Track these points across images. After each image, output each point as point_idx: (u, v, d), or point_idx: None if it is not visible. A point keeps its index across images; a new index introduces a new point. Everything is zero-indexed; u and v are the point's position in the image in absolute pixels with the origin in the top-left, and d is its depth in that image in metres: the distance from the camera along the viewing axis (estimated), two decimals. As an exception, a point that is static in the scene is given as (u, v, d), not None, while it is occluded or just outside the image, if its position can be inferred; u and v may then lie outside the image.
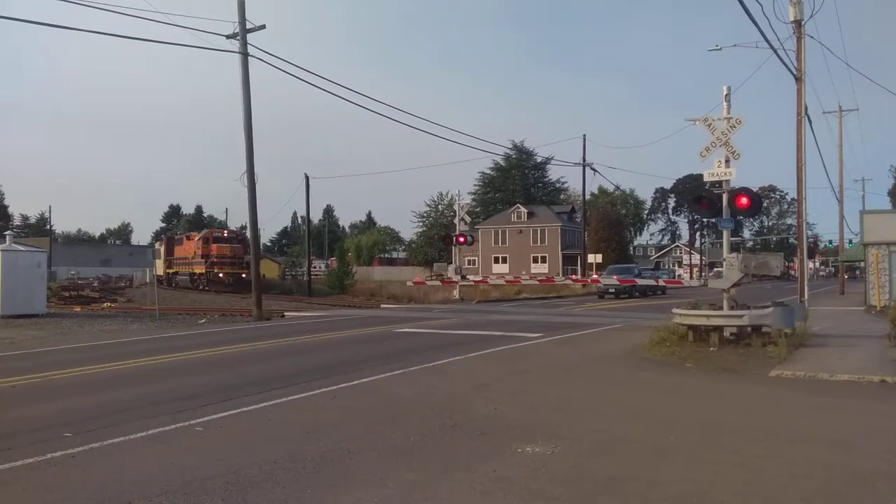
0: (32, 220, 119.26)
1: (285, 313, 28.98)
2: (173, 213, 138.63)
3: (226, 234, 52.41)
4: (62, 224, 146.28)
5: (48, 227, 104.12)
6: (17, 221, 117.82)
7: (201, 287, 48.42)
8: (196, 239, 51.25)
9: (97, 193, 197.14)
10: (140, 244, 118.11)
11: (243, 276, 47.17)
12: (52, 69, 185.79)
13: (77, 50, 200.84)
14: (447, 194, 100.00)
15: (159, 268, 55.52)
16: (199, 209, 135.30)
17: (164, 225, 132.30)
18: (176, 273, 54.82)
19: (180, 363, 14.07)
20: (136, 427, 8.07)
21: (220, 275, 46.88)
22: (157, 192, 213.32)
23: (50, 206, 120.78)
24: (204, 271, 48.04)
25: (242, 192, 27.75)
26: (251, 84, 26.94)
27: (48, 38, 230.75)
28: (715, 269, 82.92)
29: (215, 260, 47.62)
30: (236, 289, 45.27)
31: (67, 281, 59.50)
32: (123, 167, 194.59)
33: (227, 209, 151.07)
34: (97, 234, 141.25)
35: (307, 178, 55.58)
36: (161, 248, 58.90)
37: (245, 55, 26.48)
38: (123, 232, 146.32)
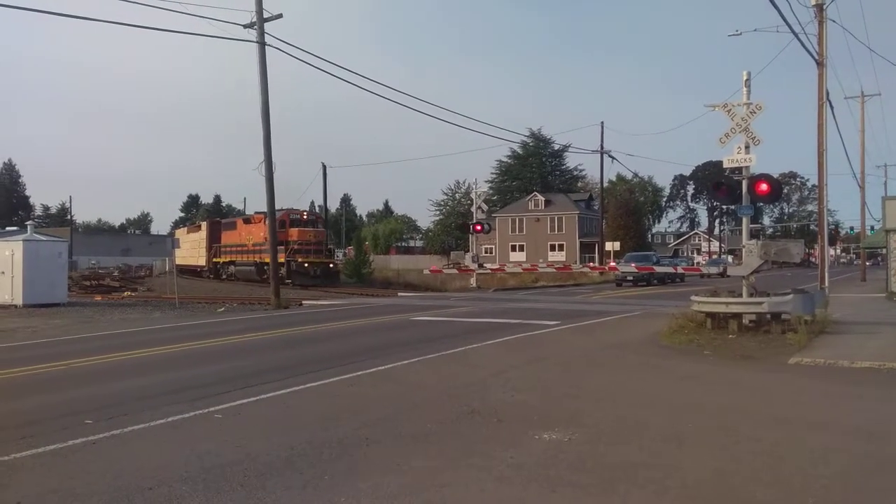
0: (53, 211, 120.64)
1: (303, 302, 29.12)
2: (192, 202, 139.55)
3: (306, 216, 44.19)
4: (82, 214, 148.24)
5: (69, 217, 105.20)
6: (38, 212, 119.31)
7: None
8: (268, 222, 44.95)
9: (117, 184, 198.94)
10: (160, 233, 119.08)
11: (331, 265, 42.07)
12: (71, 61, 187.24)
13: (96, 42, 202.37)
14: (464, 182, 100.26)
15: (200, 257, 50.84)
16: (217, 199, 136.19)
17: (182, 214, 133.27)
18: (231, 262, 46.96)
19: (200, 351, 14.18)
20: (155, 414, 8.14)
21: (306, 264, 39.81)
22: (176, 182, 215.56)
23: (70, 197, 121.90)
24: (284, 260, 39.27)
25: (260, 181, 27.89)
26: (268, 73, 27.01)
27: (68, 30, 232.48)
28: (710, 259, 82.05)
29: (296, 247, 40.22)
30: (323, 281, 39.77)
31: (88, 270, 60.06)
32: (143, 158, 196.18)
33: (245, 198, 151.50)
34: (117, 224, 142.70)
35: (324, 167, 55.89)
36: (196, 234, 53.30)
37: (262, 44, 26.50)
38: (143, 221, 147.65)
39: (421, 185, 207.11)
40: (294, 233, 40.71)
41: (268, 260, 38.92)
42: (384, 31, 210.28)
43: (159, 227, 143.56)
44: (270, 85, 27.11)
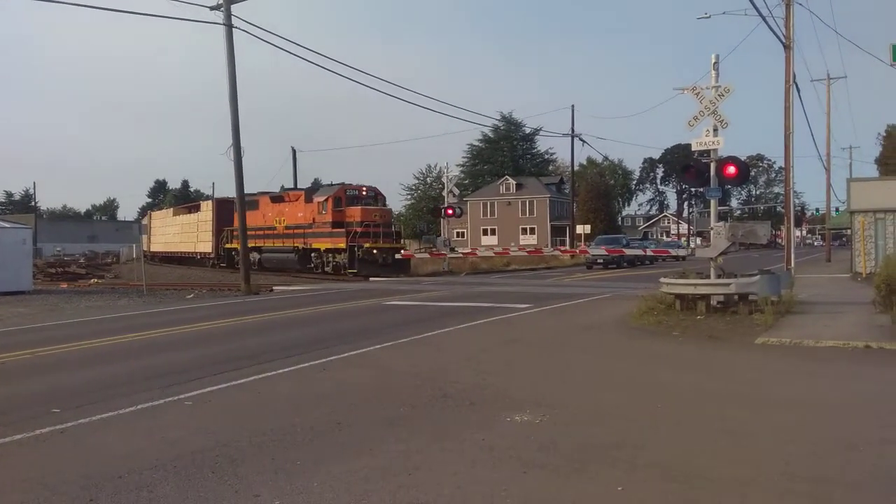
0: (17, 197, 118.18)
1: (274, 287, 28.91)
2: (159, 188, 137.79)
3: (365, 192, 36.62)
4: (47, 200, 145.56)
5: (33, 203, 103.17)
6: (1, 198, 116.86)
7: (322, 269, 35.15)
8: (321, 200, 35.64)
9: (82, 169, 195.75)
10: (127, 220, 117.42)
11: (402, 252, 35.70)
12: (34, 43, 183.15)
13: (60, 24, 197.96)
14: (435, 166, 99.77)
15: (200, 243, 44.55)
16: (185, 184, 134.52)
17: (150, 200, 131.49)
18: (254, 249, 38.05)
19: (169, 338, 14.04)
20: (125, 402, 8.06)
21: (374, 251, 32.99)
22: (142, 167, 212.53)
23: (34, 183, 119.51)
24: (345, 246, 33.39)
25: (229, 166, 27.57)
26: (236, 57, 26.63)
27: (30, 11, 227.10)
28: (669, 241, 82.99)
29: (359, 229, 33.14)
30: (393, 271, 33.81)
31: (53, 257, 59.16)
32: (108, 142, 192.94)
33: (213, 184, 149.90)
34: (83, 211, 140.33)
35: (294, 151, 55.39)
36: (191, 217, 47.20)
37: (229, 27, 26.12)
38: (109, 208, 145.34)
39: (392, 170, 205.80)
40: (355, 212, 34.32)
41: (324, 247, 35.26)
42: (350, 13, 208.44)
43: (126, 213, 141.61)
44: (239, 69, 26.76)
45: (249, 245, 39.86)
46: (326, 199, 35.41)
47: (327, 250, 35.22)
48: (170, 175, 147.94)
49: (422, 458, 5.90)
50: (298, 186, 50.15)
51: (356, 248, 32.92)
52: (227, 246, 42.20)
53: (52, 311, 20.56)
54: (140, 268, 30.22)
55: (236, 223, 40.02)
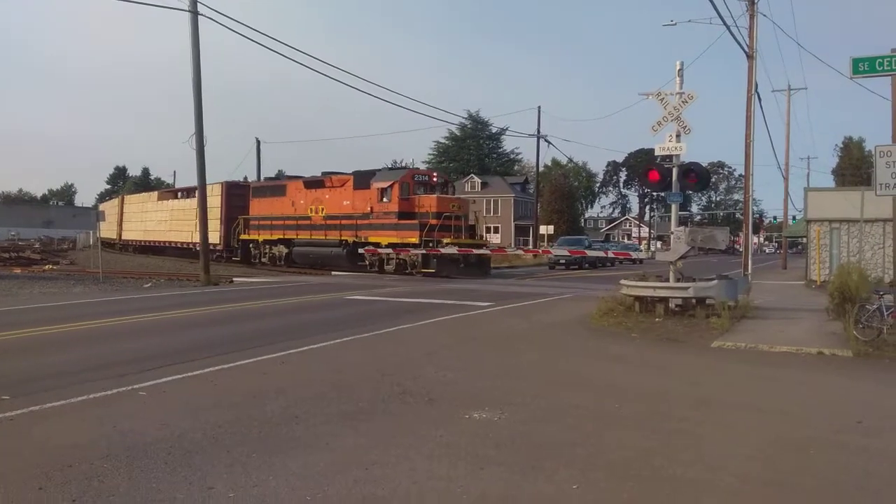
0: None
1: (234, 279, 28.57)
2: (119, 174, 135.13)
3: (435, 178, 32.11)
4: (2, 184, 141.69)
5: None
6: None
7: (380, 267, 30.44)
8: (382, 187, 30.50)
9: (39, 153, 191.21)
10: (84, 206, 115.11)
11: (484, 251, 31.06)
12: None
13: (19, 2, 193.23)
14: (401, 162, 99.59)
15: (212, 234, 36.40)
16: (145, 171, 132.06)
17: (108, 187, 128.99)
18: (280, 241, 35.58)
19: (124, 327, 13.78)
20: (77, 391, 7.89)
21: (456, 249, 28.23)
22: (102, 153, 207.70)
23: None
24: (418, 241, 28.41)
25: (190, 154, 27.12)
26: (201, 44, 26.23)
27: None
28: (624, 244, 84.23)
29: (435, 221, 28.32)
30: (472, 272, 29.40)
31: (7, 242, 57.80)
32: (67, 126, 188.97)
33: (175, 172, 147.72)
34: (39, 195, 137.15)
35: (258, 142, 54.91)
36: (183, 203, 42.91)
37: (195, 14, 25.72)
38: (66, 193, 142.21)
39: (358, 164, 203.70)
40: (429, 201, 29.33)
41: (376, 240, 30.57)
42: (320, 8, 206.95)
43: (84, 198, 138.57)
44: (203, 55, 26.36)
45: (274, 237, 36.60)
46: (391, 186, 30.18)
47: (392, 246, 30.09)
48: (130, 161, 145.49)
49: (379, 453, 5.87)
50: (261, 178, 49.38)
51: (432, 243, 28.30)
52: (244, 237, 38.31)
53: (4, 296, 20.04)
54: (97, 254, 29.61)
55: (252, 210, 37.71)
